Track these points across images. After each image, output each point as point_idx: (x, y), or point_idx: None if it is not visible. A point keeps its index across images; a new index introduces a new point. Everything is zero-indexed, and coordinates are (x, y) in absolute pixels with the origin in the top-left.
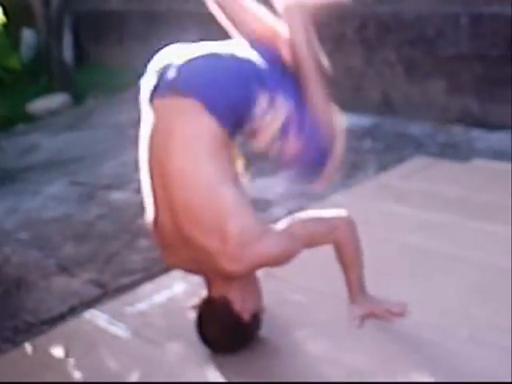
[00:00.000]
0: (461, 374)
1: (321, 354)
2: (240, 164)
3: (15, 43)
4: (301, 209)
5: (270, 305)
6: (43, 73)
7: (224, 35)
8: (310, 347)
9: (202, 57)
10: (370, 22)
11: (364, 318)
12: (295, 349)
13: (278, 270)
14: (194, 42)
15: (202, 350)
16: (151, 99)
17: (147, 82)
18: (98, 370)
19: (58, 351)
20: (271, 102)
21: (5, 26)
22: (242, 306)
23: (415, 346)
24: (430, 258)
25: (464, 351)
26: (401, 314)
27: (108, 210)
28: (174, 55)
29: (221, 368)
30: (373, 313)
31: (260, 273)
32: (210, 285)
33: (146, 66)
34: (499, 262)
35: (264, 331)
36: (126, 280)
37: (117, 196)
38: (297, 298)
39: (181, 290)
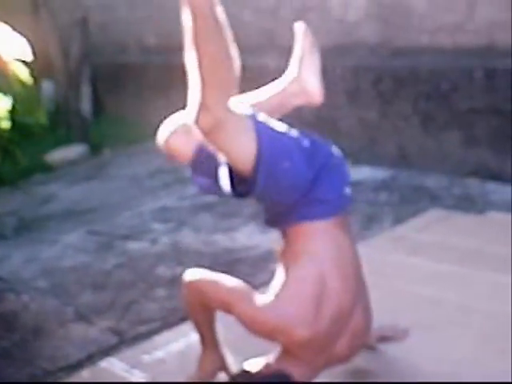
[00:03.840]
0: None
1: None
2: None
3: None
4: None
5: None
6: (62, 124)
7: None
8: None
9: None
10: (386, 75)
11: (377, 341)
12: None
13: None
14: None
15: None
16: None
17: None
18: None
19: None
20: None
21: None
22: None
23: None
24: (444, 309)
25: None
26: (406, 334)
27: (125, 260)
28: None
29: None
30: (381, 336)
31: None
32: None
33: (162, 118)
34: None
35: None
36: (143, 328)
37: (134, 246)
38: None
39: (197, 339)
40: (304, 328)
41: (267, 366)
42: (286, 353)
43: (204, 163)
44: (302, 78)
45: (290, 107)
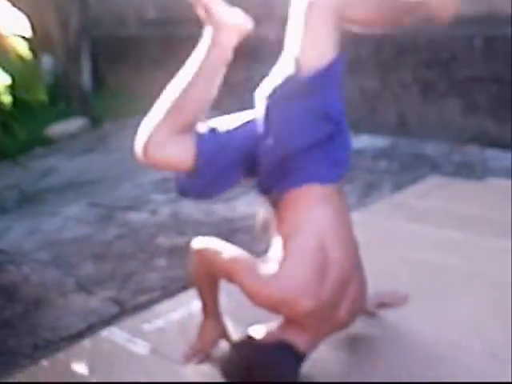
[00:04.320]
0: None
1: (335, 365)
2: None
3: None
4: None
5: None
6: (62, 97)
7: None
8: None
9: None
10: (386, 44)
11: (378, 307)
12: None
13: None
14: None
15: (217, 364)
16: None
17: None
18: None
19: (76, 368)
20: None
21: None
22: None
23: (430, 361)
24: (444, 275)
25: (478, 366)
26: (406, 300)
27: (126, 231)
28: None
29: None
30: (382, 302)
31: None
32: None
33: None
34: None
35: None
36: (144, 298)
37: (134, 217)
38: None
39: (198, 307)
40: (308, 299)
41: (269, 334)
42: (289, 321)
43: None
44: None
45: None
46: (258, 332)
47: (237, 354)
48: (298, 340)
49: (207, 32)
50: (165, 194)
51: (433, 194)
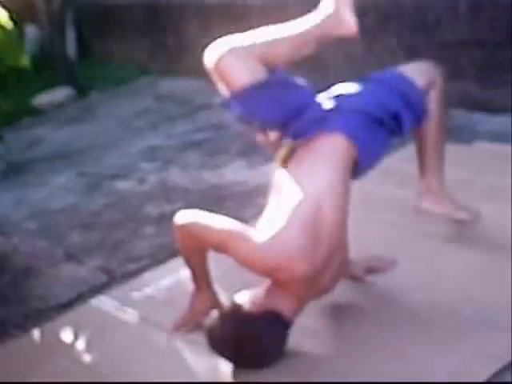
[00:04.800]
0: (462, 352)
1: (325, 331)
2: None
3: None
4: None
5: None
6: (47, 67)
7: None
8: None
9: None
10: (370, 10)
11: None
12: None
13: None
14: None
15: None
16: None
17: None
18: (107, 355)
19: (67, 337)
20: None
21: (14, 24)
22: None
23: (419, 326)
24: (432, 240)
25: (465, 330)
26: (394, 265)
27: (114, 200)
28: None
29: None
30: (370, 267)
31: None
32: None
33: (148, 58)
34: (500, 242)
35: None
36: (132, 266)
37: (122, 186)
38: None
39: (187, 275)
40: (304, 263)
41: (256, 303)
42: (275, 289)
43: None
44: (339, 12)
45: (328, 40)
46: (244, 300)
47: (223, 325)
48: (285, 307)
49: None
50: (152, 163)
51: None
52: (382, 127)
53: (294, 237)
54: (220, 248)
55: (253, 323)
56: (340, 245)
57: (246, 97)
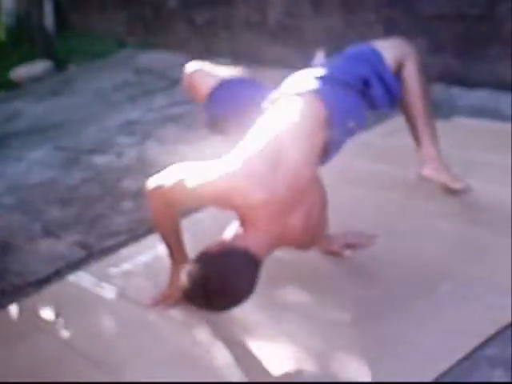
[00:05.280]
0: (440, 328)
1: (303, 308)
2: None
3: None
4: None
5: None
6: (24, 40)
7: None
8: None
9: None
10: None
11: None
12: (277, 303)
13: None
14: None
15: (186, 309)
16: None
17: None
18: (85, 331)
19: (45, 313)
20: None
21: None
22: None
23: (395, 300)
24: (410, 214)
25: (447, 305)
26: (372, 240)
27: (92, 174)
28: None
29: (207, 326)
30: (348, 243)
31: None
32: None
33: (127, 31)
34: (479, 218)
35: None
36: (110, 242)
37: (100, 160)
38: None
39: (165, 250)
40: (261, 189)
41: (222, 243)
42: (244, 227)
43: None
44: None
45: None
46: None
47: (193, 270)
48: (253, 245)
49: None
50: (130, 137)
51: (399, 133)
52: (352, 89)
53: (249, 165)
54: (190, 198)
55: (218, 260)
56: (310, 192)
57: (208, 100)
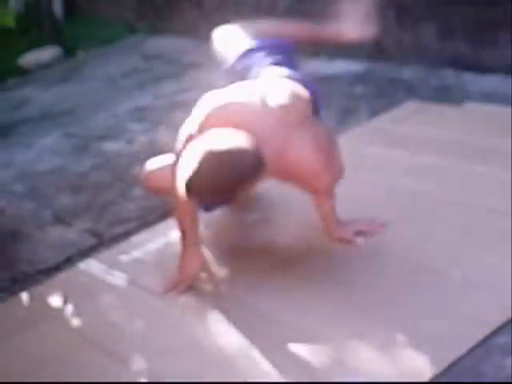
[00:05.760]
0: (451, 316)
1: (313, 294)
2: None
3: None
4: None
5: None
6: (33, 26)
7: None
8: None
9: None
10: None
11: (355, 235)
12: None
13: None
14: None
15: (199, 297)
16: None
17: None
18: (95, 319)
19: (55, 300)
20: None
21: None
22: None
23: (405, 287)
24: (421, 201)
25: (456, 293)
26: (384, 227)
27: (102, 161)
28: None
29: (219, 313)
30: (359, 230)
31: None
32: None
33: (136, 17)
34: (490, 204)
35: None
36: (121, 229)
37: (110, 147)
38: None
39: (176, 237)
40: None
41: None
42: None
43: None
44: None
45: None
46: None
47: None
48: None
49: None
50: (140, 123)
51: (410, 119)
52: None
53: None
54: None
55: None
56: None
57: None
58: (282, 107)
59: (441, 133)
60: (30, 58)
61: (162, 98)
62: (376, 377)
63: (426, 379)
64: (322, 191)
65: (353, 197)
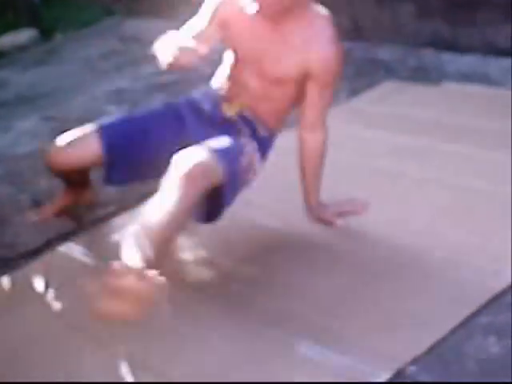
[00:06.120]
0: (434, 296)
1: (296, 279)
2: None
3: None
4: None
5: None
6: (9, 8)
7: None
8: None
9: None
10: None
11: (336, 216)
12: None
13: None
14: None
15: (179, 278)
16: None
17: None
18: (76, 302)
19: (36, 284)
20: None
21: None
22: None
23: (389, 267)
24: (401, 181)
25: (437, 272)
26: (365, 208)
27: None
28: None
29: (201, 292)
30: (340, 211)
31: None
32: None
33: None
34: (470, 184)
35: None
36: (100, 212)
37: None
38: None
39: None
40: None
41: None
42: None
43: None
44: None
45: None
46: None
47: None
48: None
49: None
50: (119, 105)
51: (389, 99)
52: None
53: None
54: None
55: None
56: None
57: None
58: None
59: (419, 112)
60: (6, 40)
61: (140, 80)
62: (356, 358)
63: (408, 359)
64: (325, 84)
65: (332, 177)
